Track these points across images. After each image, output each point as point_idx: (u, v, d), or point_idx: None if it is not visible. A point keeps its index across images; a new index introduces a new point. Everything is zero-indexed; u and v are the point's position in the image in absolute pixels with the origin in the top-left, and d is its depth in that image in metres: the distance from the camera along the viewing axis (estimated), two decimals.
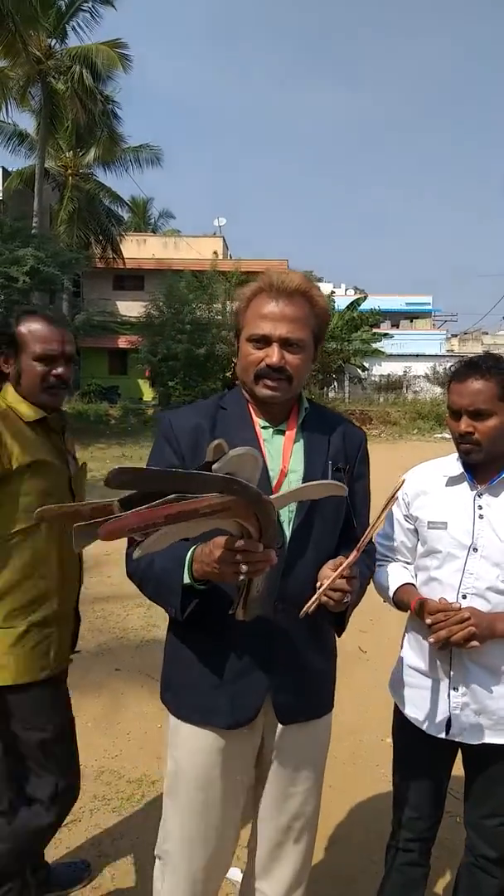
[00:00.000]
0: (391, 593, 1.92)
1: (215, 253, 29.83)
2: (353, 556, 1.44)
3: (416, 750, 1.93)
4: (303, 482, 1.54)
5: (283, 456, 1.57)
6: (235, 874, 2.19)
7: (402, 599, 1.88)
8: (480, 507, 1.82)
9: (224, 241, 33.31)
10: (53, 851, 2.53)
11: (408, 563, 2.01)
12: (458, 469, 1.88)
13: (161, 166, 25.09)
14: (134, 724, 3.54)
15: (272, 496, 1.19)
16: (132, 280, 29.22)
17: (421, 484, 1.93)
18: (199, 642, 1.56)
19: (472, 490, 1.84)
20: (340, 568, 1.43)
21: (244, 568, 1.21)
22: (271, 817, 1.66)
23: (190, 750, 1.58)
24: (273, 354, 1.51)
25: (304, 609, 1.41)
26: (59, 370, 1.94)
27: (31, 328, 1.92)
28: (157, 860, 1.67)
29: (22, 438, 1.87)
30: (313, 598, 1.41)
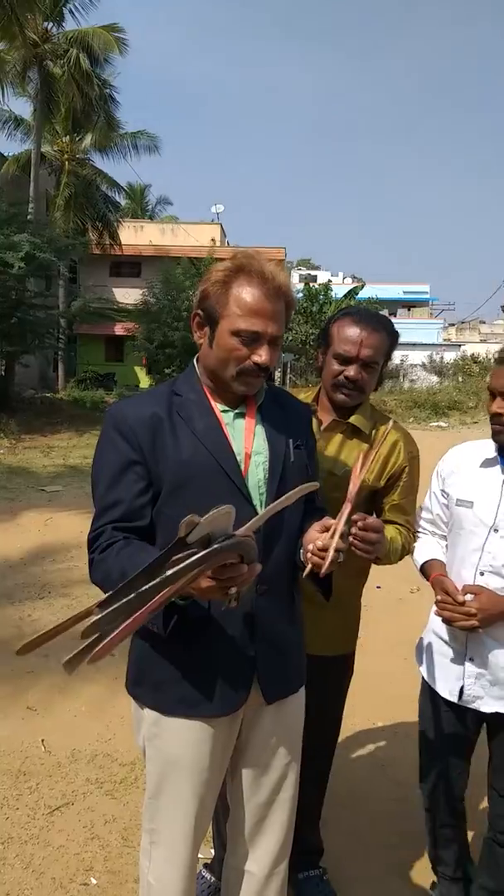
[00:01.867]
0: (419, 566, 2.07)
1: (213, 240, 29.64)
2: (345, 510, 1.44)
3: (436, 717, 2.04)
4: (268, 463, 1.56)
5: (245, 438, 1.57)
6: None
7: (427, 573, 2.01)
8: None
9: (222, 227, 33.12)
10: (46, 835, 2.55)
11: (444, 536, 2.08)
12: (493, 451, 1.93)
13: (159, 154, 24.95)
14: (128, 708, 3.49)
15: (250, 524, 1.19)
16: (129, 267, 29.07)
17: (456, 461, 2.03)
18: (179, 635, 1.46)
19: (502, 473, 1.89)
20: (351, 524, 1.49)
21: (233, 590, 1.21)
22: (252, 795, 1.66)
23: (178, 742, 1.55)
24: (264, 354, 1.49)
25: (325, 569, 1.39)
26: None
27: None
28: (144, 839, 1.66)
29: None
30: (329, 559, 1.39)
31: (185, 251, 24.90)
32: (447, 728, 2.02)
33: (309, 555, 1.45)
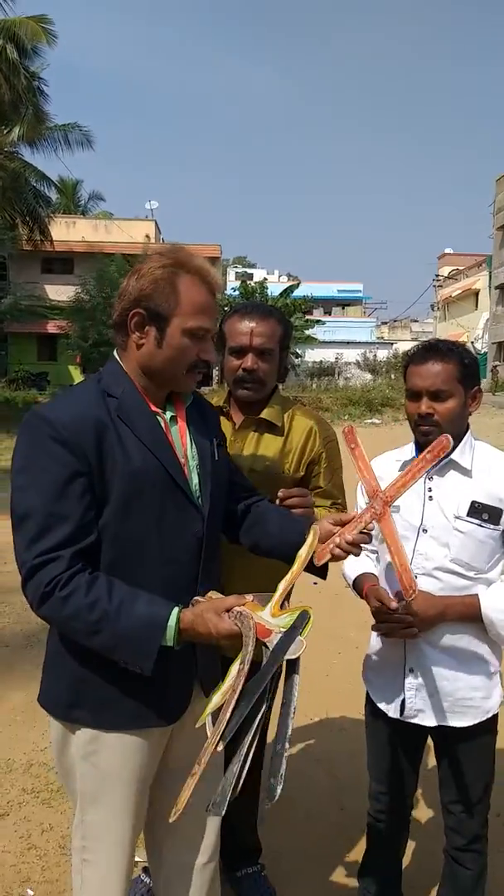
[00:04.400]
0: (351, 581, 2.02)
1: (147, 236, 29.37)
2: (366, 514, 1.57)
3: (380, 729, 1.99)
4: (199, 467, 1.58)
5: (182, 443, 1.58)
6: None
7: (360, 587, 1.96)
8: (430, 490, 1.86)
9: (156, 224, 32.84)
10: None
11: (374, 550, 2.06)
12: (410, 454, 1.93)
13: (92, 148, 24.44)
14: None
15: (275, 601, 1.39)
16: (61, 263, 28.47)
17: (380, 470, 1.94)
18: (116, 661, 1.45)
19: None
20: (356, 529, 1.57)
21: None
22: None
23: (118, 756, 1.51)
24: (210, 351, 1.53)
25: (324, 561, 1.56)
26: None
27: None
28: (75, 858, 1.60)
29: None
30: (327, 553, 1.55)
31: (119, 248, 24.55)
32: (392, 741, 1.97)
33: (336, 549, 1.54)
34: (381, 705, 1.95)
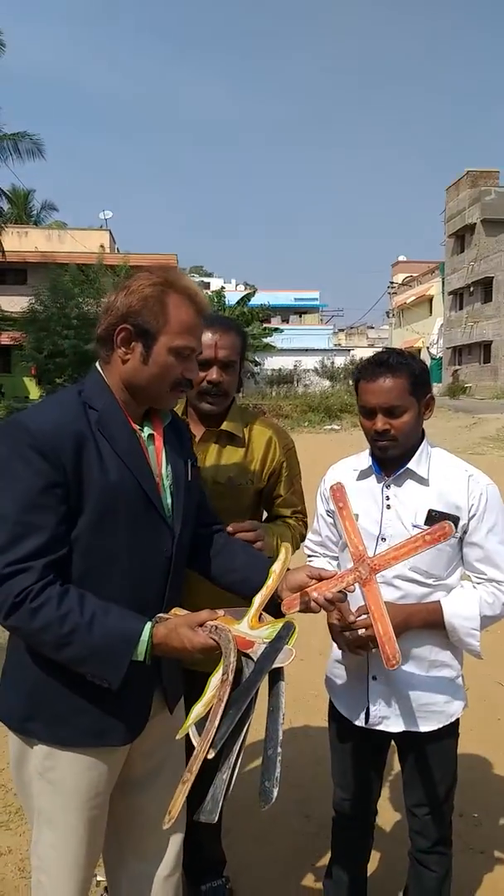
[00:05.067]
0: None
1: (102, 246, 29.13)
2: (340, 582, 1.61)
3: (344, 737, 1.99)
4: (173, 487, 1.59)
5: (157, 461, 1.58)
6: None
7: None
8: (388, 498, 1.87)
9: (111, 234, 32.63)
10: None
11: (334, 557, 2.06)
12: (366, 462, 1.94)
13: (43, 157, 24.18)
14: None
15: (252, 613, 1.47)
16: (14, 274, 28.04)
17: (338, 479, 1.97)
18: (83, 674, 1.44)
19: (379, 482, 1.90)
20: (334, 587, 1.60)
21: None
22: (150, 800, 1.62)
23: (76, 772, 1.48)
24: (193, 370, 1.55)
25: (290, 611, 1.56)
26: None
27: None
28: (34, 877, 1.57)
29: None
30: (297, 604, 1.59)
31: (73, 258, 24.31)
32: (356, 749, 1.98)
33: (313, 603, 1.58)
34: (345, 713, 1.95)
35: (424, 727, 1.86)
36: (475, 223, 34.72)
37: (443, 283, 39.47)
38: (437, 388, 37.13)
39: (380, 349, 1.93)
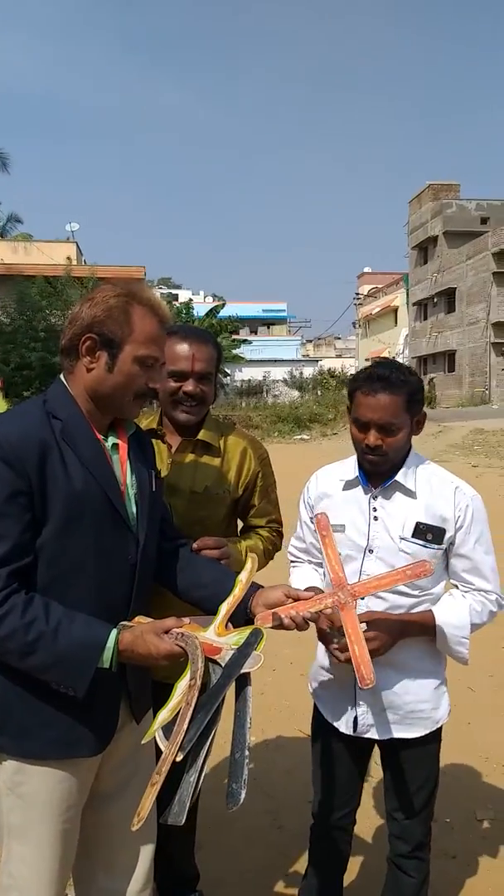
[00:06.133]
0: None
1: (69, 258, 28.91)
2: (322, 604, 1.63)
3: (328, 744, 1.99)
4: (137, 496, 1.60)
5: (122, 470, 1.60)
6: None
7: None
8: (375, 510, 1.87)
9: (77, 246, 32.46)
10: None
11: (319, 564, 2.05)
12: (353, 473, 1.93)
13: (7, 171, 24.05)
14: None
15: (219, 621, 1.51)
16: None
17: (323, 488, 2.00)
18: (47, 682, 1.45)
19: (366, 494, 1.89)
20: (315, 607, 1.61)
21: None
22: (119, 814, 1.60)
23: (47, 787, 1.48)
24: (158, 379, 1.58)
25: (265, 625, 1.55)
26: None
27: None
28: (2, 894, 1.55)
29: None
30: (269, 620, 1.57)
31: (39, 270, 24.10)
32: (340, 755, 1.98)
33: (288, 620, 1.56)
34: (331, 720, 1.95)
35: (410, 734, 1.88)
36: (437, 235, 35.35)
37: (407, 293, 40.06)
38: None
39: (375, 367, 1.85)
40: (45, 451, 1.42)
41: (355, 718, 1.89)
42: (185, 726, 1.31)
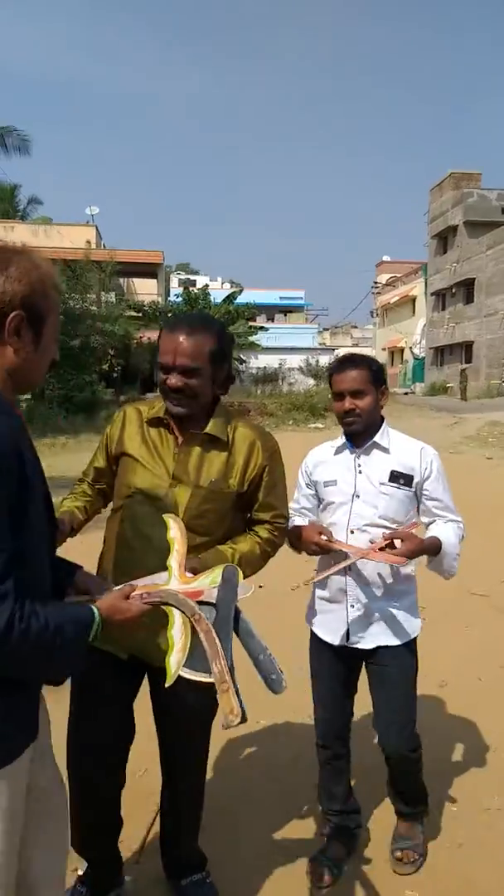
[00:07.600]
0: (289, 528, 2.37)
1: (88, 242, 29.04)
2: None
3: (324, 660, 2.48)
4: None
5: None
6: None
7: (298, 530, 2.36)
8: (359, 466, 2.41)
9: (97, 230, 32.49)
10: None
11: (308, 509, 2.60)
12: (341, 441, 2.48)
13: (29, 154, 23.95)
14: None
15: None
16: None
17: (318, 456, 2.55)
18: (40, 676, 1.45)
19: (352, 454, 2.44)
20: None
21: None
22: (47, 793, 1.59)
23: (10, 791, 1.39)
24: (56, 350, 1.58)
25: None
26: None
27: None
28: None
29: None
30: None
31: (59, 253, 24.14)
32: (334, 670, 2.46)
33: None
34: (326, 637, 2.43)
35: (393, 641, 2.37)
36: (458, 225, 34.90)
37: (426, 283, 39.67)
38: (419, 388, 37.42)
39: (340, 356, 2.50)
40: (20, 456, 1.33)
41: (347, 632, 2.37)
42: (219, 643, 1.46)
